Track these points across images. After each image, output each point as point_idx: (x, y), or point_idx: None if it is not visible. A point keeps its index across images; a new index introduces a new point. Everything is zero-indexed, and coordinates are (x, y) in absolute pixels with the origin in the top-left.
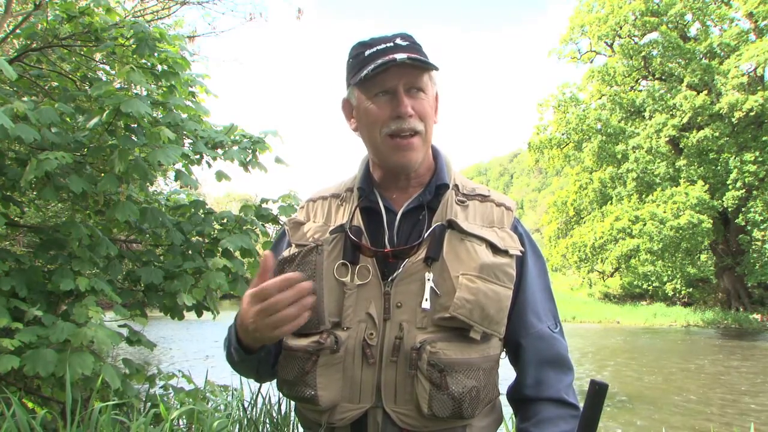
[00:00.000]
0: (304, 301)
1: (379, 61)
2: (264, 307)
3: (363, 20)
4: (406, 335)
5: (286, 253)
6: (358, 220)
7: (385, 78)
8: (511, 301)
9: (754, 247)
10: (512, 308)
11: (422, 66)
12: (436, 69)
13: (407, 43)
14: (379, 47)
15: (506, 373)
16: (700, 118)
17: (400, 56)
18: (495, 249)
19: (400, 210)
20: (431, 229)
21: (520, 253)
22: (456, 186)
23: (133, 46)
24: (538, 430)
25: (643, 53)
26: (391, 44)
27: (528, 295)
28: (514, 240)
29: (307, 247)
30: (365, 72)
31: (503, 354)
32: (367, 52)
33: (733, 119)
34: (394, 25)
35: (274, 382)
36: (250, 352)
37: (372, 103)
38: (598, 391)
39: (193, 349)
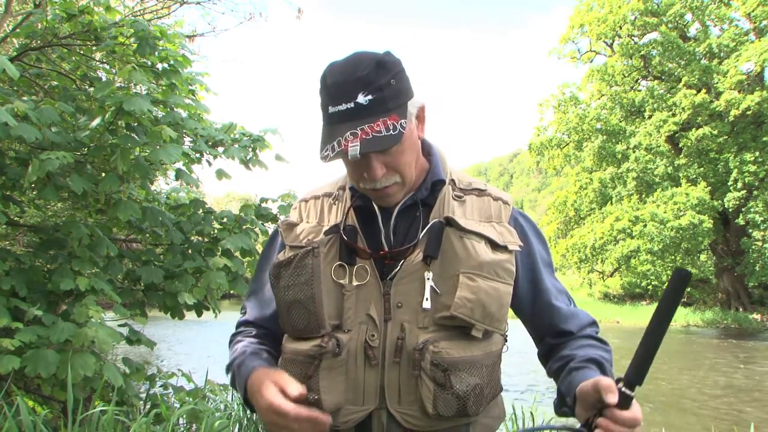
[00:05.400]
0: (320, 428)
1: (329, 148)
2: (282, 424)
3: (363, 20)
4: (407, 335)
5: (281, 256)
6: (352, 220)
7: None
8: (530, 291)
9: (754, 247)
10: (535, 297)
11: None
12: (395, 144)
13: (370, 97)
14: (340, 107)
15: (507, 369)
16: (699, 117)
17: (352, 149)
18: (494, 245)
19: (395, 208)
20: (428, 226)
21: (519, 248)
22: (452, 181)
23: (134, 45)
24: (582, 351)
25: (643, 53)
26: (352, 105)
27: (546, 284)
28: (513, 235)
29: (302, 249)
30: (321, 154)
31: (505, 348)
32: (330, 109)
33: (730, 118)
34: (395, 25)
35: None
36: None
37: (344, 161)
38: (683, 277)
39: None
